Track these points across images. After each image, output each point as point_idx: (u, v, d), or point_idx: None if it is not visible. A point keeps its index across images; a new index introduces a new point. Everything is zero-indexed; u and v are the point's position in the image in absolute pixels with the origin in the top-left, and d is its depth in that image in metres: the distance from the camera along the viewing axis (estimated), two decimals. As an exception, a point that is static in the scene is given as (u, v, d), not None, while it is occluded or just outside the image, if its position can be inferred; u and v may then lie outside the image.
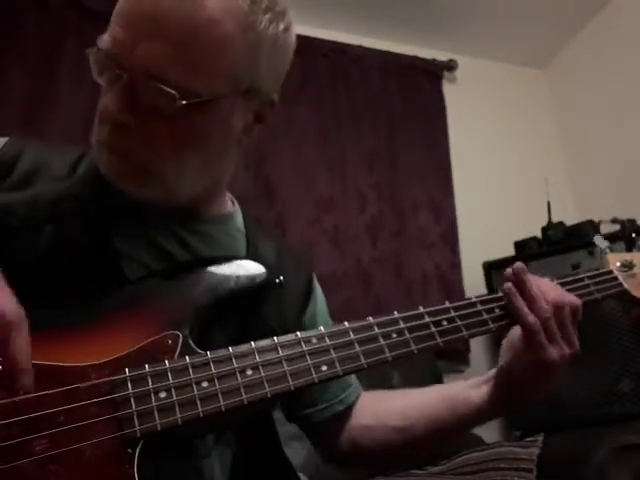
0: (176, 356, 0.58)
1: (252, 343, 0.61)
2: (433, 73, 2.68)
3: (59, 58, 1.99)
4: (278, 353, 0.61)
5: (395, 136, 2.50)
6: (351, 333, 0.65)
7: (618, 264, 0.87)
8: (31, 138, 0.78)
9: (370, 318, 0.67)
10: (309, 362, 0.61)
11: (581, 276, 0.81)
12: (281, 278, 0.72)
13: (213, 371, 0.57)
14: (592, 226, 2.06)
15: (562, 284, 0.77)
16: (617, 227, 1.95)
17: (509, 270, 0.73)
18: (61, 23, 2.04)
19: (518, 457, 1.43)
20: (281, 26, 0.68)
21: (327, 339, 0.64)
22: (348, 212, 2.31)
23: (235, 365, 0.58)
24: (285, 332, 0.63)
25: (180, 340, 0.59)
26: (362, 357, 0.64)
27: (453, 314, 0.71)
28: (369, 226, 2.33)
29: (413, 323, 0.68)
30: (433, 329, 0.69)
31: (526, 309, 0.70)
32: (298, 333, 0.63)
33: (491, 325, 0.72)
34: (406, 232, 2.38)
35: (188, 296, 0.64)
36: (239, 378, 0.58)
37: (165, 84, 0.60)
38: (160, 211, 0.71)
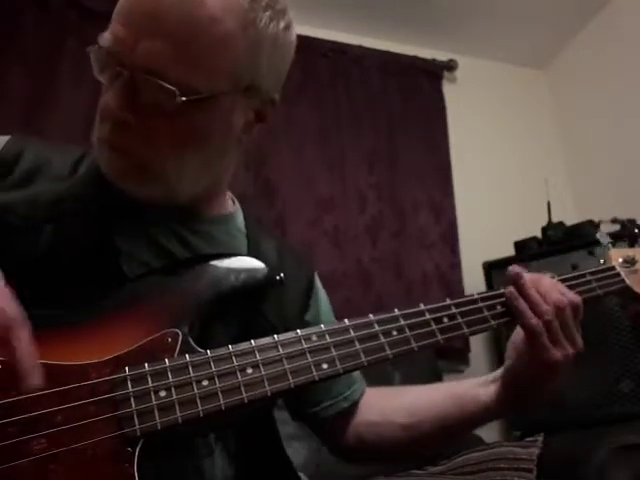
0: (176, 354, 0.58)
1: (252, 341, 0.60)
2: (433, 73, 2.68)
3: (59, 58, 1.99)
4: (278, 351, 0.60)
5: (395, 136, 2.50)
6: (351, 331, 0.65)
7: (620, 260, 0.86)
8: (32, 137, 0.78)
9: (371, 315, 0.67)
10: (309, 360, 0.61)
11: (583, 272, 0.80)
12: (282, 275, 0.72)
13: (213, 369, 0.57)
14: (592, 226, 2.06)
15: (563, 280, 0.77)
16: (617, 227, 1.95)
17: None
18: (61, 23, 2.04)
19: (518, 457, 1.43)
20: (281, 24, 0.68)
21: (327, 337, 0.63)
22: (348, 212, 2.30)
23: (235, 363, 0.58)
24: (286, 330, 0.63)
25: (180, 338, 0.59)
26: (362, 355, 0.64)
27: (454, 311, 0.70)
28: (369, 226, 2.33)
29: (414, 320, 0.68)
30: (434, 326, 0.68)
31: (528, 312, 0.70)
32: (298, 331, 0.63)
33: (492, 322, 0.72)
34: (406, 232, 2.37)
35: (189, 291, 0.64)
36: (239, 376, 0.58)
37: (165, 81, 0.60)
38: (161, 210, 0.70)
